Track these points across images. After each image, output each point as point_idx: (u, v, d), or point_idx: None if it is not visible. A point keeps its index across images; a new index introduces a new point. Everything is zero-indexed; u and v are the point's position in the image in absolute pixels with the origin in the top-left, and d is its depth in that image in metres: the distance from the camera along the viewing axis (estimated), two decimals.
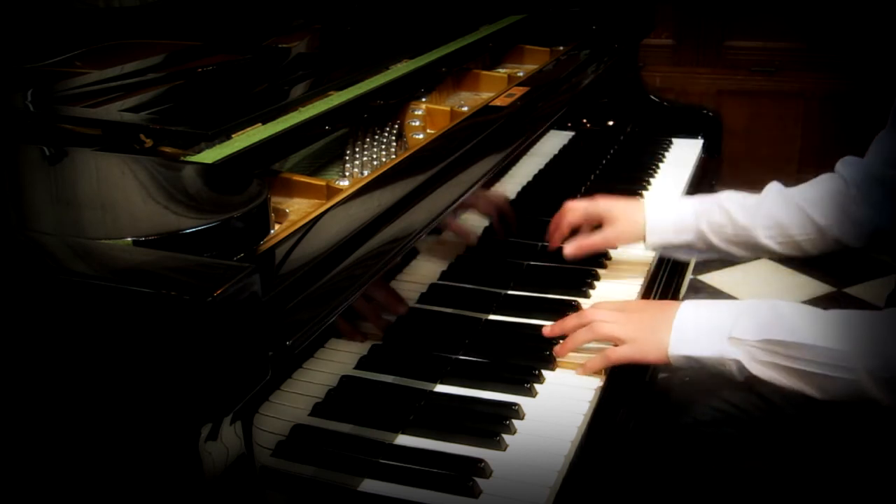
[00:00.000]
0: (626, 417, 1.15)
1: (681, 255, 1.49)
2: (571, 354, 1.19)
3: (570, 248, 1.41)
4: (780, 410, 1.38)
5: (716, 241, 1.41)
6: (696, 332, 1.13)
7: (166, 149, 1.02)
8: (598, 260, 1.47)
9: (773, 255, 1.43)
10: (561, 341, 1.20)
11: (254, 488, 0.79)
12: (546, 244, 1.52)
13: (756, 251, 1.42)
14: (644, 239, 1.43)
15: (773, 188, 1.43)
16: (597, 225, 1.45)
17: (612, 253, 1.51)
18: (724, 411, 1.41)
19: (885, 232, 1.38)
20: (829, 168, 1.47)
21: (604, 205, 1.44)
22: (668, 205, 1.45)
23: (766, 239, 1.39)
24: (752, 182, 1.51)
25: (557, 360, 1.19)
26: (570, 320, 1.21)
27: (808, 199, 1.39)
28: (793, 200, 1.39)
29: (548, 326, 1.23)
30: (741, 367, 1.11)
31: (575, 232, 1.46)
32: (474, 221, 1.35)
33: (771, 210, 1.39)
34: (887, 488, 1.18)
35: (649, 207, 1.43)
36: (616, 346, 1.17)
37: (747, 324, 1.10)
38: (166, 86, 1.22)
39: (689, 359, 1.13)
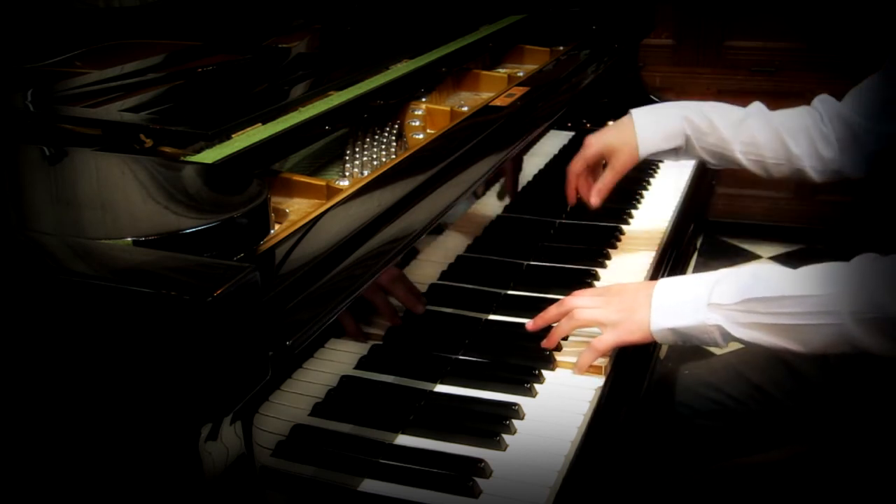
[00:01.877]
0: (627, 417, 1.15)
1: (669, 158, 1.53)
2: (570, 353, 1.19)
3: (595, 198, 1.46)
4: (778, 403, 1.38)
5: (696, 146, 1.47)
6: (675, 304, 1.14)
7: (166, 149, 1.02)
8: (597, 260, 1.48)
9: (738, 168, 1.50)
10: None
11: (254, 488, 0.79)
12: (545, 245, 1.53)
13: (726, 163, 1.50)
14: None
15: (756, 108, 1.49)
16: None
17: (612, 253, 1.52)
18: (721, 403, 1.41)
19: (845, 175, 1.46)
20: None
21: (598, 142, 1.47)
22: (655, 112, 1.48)
23: (739, 154, 1.46)
24: (753, 182, 1.53)
25: (557, 359, 1.19)
26: (551, 311, 1.22)
27: (786, 126, 1.45)
28: (773, 124, 1.46)
29: (530, 321, 1.24)
30: (724, 332, 1.11)
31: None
32: (483, 211, 1.35)
33: (752, 129, 1.46)
34: (884, 476, 1.18)
35: (638, 120, 1.46)
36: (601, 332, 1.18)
37: (725, 289, 1.11)
38: (166, 86, 1.22)
39: (672, 331, 1.14)
